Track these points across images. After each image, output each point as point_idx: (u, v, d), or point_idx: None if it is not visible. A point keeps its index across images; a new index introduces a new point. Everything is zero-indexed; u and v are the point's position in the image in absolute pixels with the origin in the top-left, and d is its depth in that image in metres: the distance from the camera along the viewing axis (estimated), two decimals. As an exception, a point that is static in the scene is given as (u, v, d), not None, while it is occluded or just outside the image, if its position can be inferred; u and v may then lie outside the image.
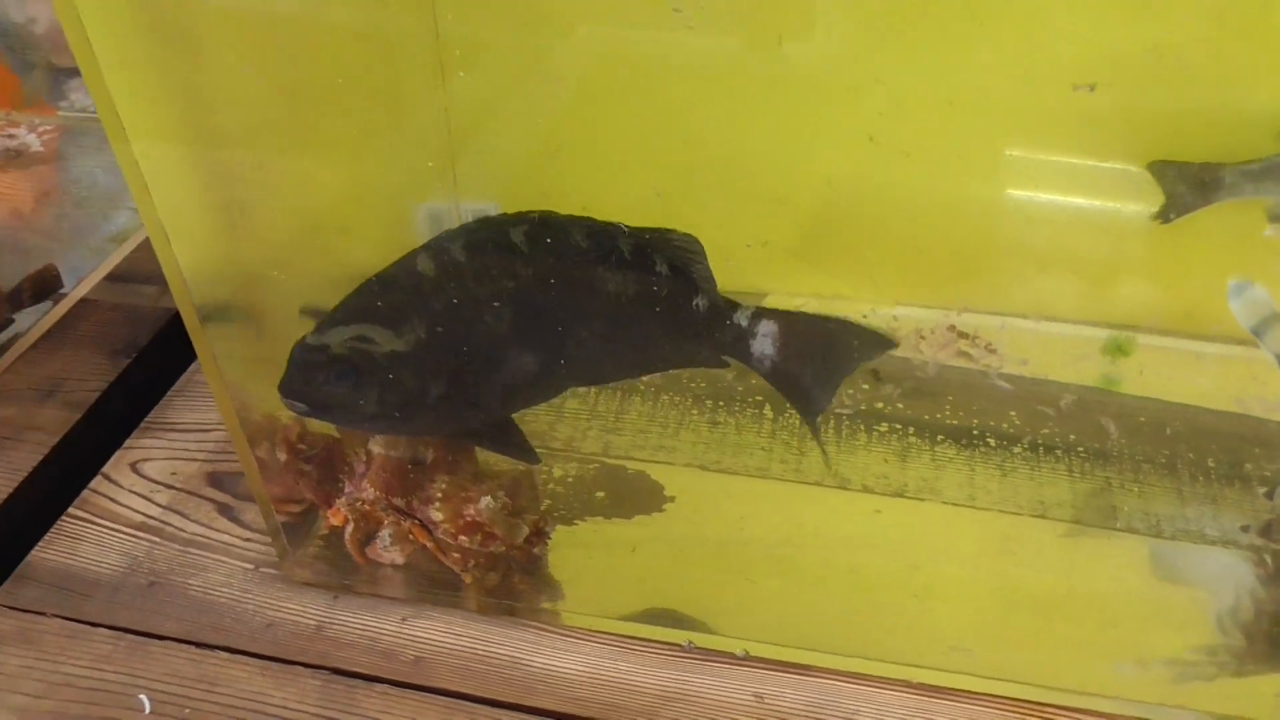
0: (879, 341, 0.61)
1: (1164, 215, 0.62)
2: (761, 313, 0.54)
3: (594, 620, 0.59)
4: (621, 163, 0.72)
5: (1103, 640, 0.58)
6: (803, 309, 0.77)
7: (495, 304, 0.51)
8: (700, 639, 0.57)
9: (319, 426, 0.60)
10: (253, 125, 0.59)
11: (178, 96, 0.54)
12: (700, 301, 0.53)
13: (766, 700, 0.55)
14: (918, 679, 0.55)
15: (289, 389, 0.51)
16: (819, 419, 0.59)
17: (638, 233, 0.51)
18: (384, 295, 0.53)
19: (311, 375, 0.51)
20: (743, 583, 0.61)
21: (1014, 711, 0.54)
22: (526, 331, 0.52)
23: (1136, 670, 0.56)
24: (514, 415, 0.57)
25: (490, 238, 0.53)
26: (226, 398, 0.56)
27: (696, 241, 0.51)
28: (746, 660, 0.56)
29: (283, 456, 0.60)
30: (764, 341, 0.54)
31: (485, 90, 0.68)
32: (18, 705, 0.55)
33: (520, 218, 0.52)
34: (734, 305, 0.54)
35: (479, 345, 0.52)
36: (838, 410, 0.70)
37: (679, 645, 0.57)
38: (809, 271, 0.77)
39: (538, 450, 0.61)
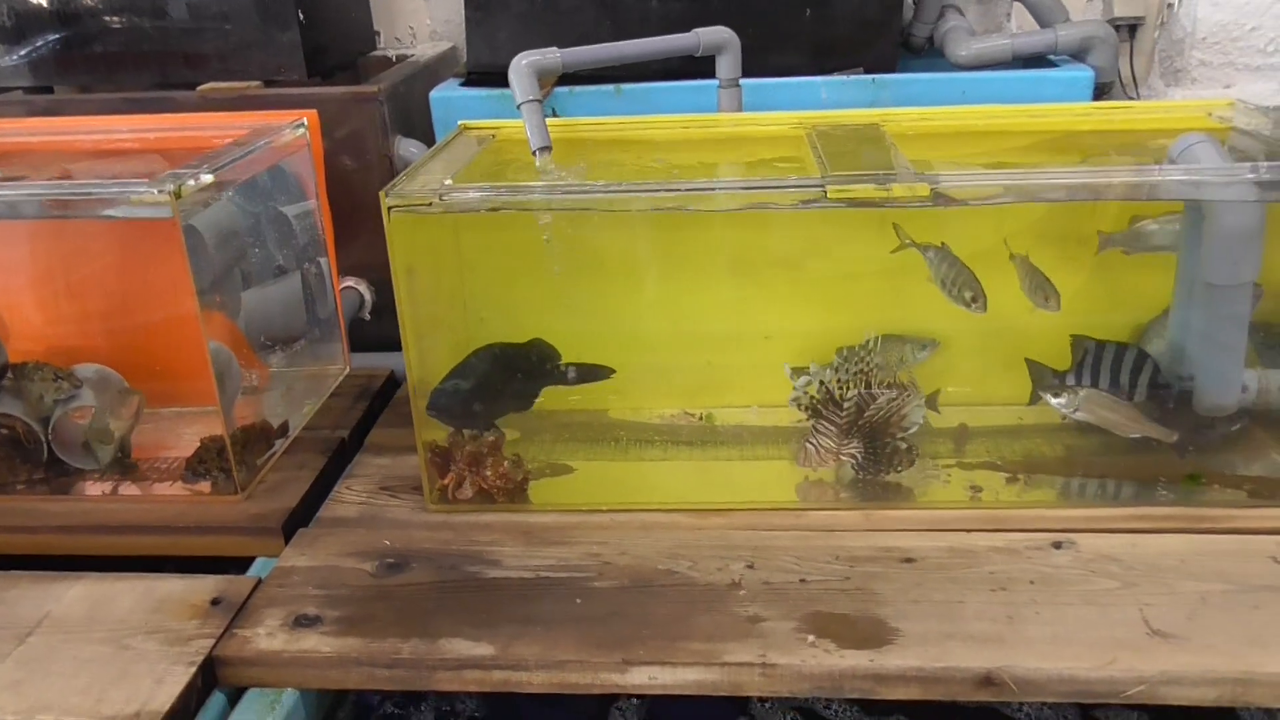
0: (603, 373, 1.44)
1: (1033, 399, 1.44)
2: (572, 365, 1.40)
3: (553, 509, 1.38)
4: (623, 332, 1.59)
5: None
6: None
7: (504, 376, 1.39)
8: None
9: (443, 438, 1.45)
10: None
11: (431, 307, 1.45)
12: (556, 366, 1.39)
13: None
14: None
15: (430, 406, 1.37)
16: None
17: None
18: (465, 369, 1.40)
19: (439, 399, 1.38)
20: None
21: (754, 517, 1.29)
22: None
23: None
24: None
25: (506, 350, 1.41)
26: (421, 432, 1.42)
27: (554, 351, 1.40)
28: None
29: (428, 454, 1.44)
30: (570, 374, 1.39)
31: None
32: (306, 559, 1.36)
33: (524, 344, 1.42)
34: (568, 367, 1.40)
35: (495, 390, 1.39)
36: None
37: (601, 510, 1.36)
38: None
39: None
